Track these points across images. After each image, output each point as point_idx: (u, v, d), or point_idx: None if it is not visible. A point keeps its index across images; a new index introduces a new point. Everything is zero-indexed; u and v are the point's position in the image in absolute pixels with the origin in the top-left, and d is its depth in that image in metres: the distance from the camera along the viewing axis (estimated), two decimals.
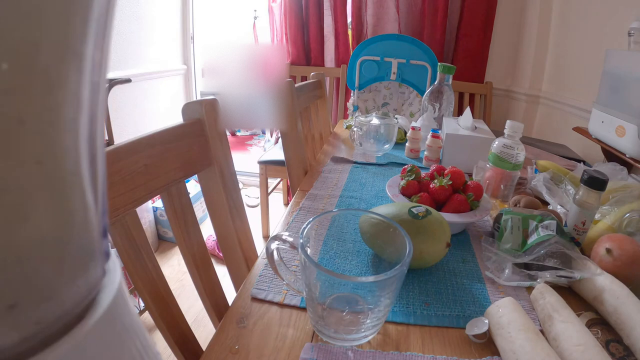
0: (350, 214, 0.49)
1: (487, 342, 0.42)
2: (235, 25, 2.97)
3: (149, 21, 1.91)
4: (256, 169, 1.79)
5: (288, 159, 0.97)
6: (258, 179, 1.83)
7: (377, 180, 0.87)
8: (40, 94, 0.12)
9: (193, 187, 1.92)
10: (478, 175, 0.85)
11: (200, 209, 1.90)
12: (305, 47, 2.06)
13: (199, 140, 0.57)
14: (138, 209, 0.47)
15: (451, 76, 1.16)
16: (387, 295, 0.37)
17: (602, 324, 0.44)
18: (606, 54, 1.04)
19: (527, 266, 0.53)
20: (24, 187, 0.13)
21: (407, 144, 1.05)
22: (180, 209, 0.55)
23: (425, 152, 0.98)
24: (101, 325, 0.16)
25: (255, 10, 2.49)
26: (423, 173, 0.70)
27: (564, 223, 0.62)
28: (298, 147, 0.99)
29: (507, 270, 0.52)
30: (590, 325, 0.44)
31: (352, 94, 1.67)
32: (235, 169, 0.65)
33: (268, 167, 1.75)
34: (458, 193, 0.64)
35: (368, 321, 0.39)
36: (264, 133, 2.80)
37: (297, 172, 0.97)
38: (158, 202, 1.78)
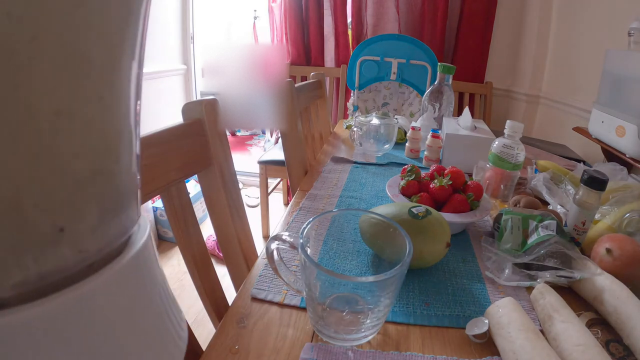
0: (350, 214, 0.49)
1: (487, 342, 0.42)
2: (235, 25, 2.97)
3: (149, 21, 1.90)
4: (256, 169, 1.79)
5: (288, 159, 0.97)
6: (258, 179, 1.83)
7: (377, 180, 0.87)
8: (113, 31, 0.14)
9: (193, 187, 1.92)
10: (478, 175, 0.85)
11: (200, 209, 1.89)
12: (305, 47, 2.06)
13: (199, 140, 0.57)
14: None
15: (451, 76, 1.16)
16: (387, 295, 0.37)
17: (602, 324, 0.44)
18: (606, 54, 1.04)
19: (527, 266, 0.53)
20: (88, 119, 0.14)
21: (407, 144, 1.05)
22: (180, 209, 0.54)
23: (425, 152, 0.98)
24: (135, 263, 0.17)
25: (255, 10, 2.50)
26: (423, 173, 0.70)
27: (564, 223, 0.62)
28: (298, 147, 0.99)
29: (507, 270, 0.52)
30: (590, 325, 0.44)
31: (352, 94, 1.67)
32: (235, 169, 0.65)
33: (268, 167, 1.74)
34: (458, 193, 0.64)
35: (368, 321, 0.39)
36: (264, 133, 2.80)
37: (297, 172, 0.97)
38: (158, 202, 1.78)
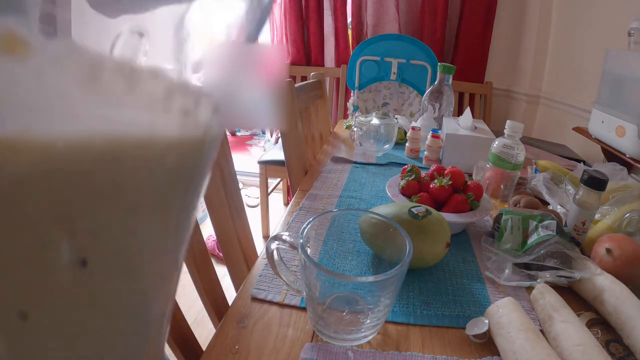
0: (350, 214, 0.49)
1: (487, 342, 0.42)
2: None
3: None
4: (256, 169, 1.79)
5: (288, 159, 0.97)
6: (258, 179, 1.83)
7: (377, 180, 0.87)
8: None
9: None
10: (478, 175, 0.85)
11: (200, 209, 1.89)
12: (305, 47, 2.06)
13: None
14: None
15: (451, 76, 1.16)
16: (387, 295, 0.37)
17: (602, 324, 0.44)
18: (606, 54, 1.04)
19: (527, 266, 0.53)
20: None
21: (407, 144, 1.05)
22: None
23: (425, 152, 0.98)
24: None
25: None
26: (423, 173, 0.70)
27: (564, 223, 0.62)
28: (298, 147, 0.99)
29: (507, 270, 0.52)
30: (590, 325, 0.44)
31: (352, 94, 1.67)
32: (235, 169, 0.65)
33: (268, 167, 1.74)
34: (458, 193, 0.64)
35: (368, 321, 0.39)
36: (264, 133, 2.80)
37: (297, 172, 0.96)
38: None
